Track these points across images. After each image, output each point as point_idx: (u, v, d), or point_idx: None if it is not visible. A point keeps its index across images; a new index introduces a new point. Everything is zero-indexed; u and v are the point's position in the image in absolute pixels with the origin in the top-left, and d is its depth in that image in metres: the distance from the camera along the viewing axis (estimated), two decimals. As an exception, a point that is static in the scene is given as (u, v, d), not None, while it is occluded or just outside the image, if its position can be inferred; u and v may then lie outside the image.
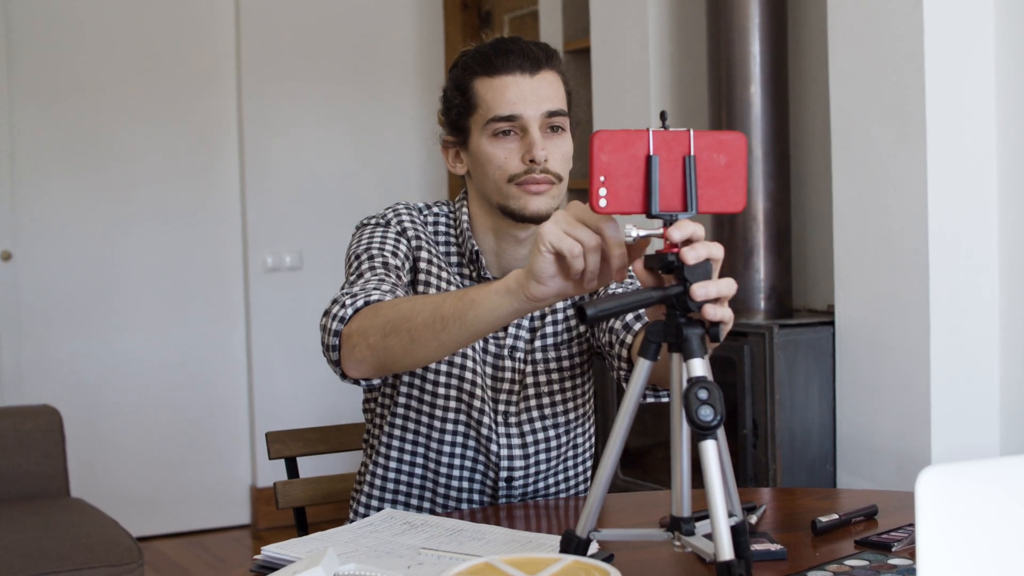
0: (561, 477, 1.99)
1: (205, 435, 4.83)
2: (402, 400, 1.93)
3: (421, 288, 1.90)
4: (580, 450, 2.01)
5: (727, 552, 1.26)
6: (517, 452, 1.93)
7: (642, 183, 1.37)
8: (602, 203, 1.37)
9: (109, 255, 4.70)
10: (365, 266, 1.84)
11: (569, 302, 1.93)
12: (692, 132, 1.39)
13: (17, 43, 4.55)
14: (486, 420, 1.90)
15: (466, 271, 1.93)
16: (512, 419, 1.92)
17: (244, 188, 4.89)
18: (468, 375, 1.89)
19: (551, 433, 1.95)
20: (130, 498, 4.62)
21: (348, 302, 1.70)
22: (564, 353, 1.94)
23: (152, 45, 4.76)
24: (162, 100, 4.78)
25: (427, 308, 1.58)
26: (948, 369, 2.90)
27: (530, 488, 1.95)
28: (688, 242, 1.37)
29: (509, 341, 1.92)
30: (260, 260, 4.88)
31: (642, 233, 1.38)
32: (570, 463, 2.00)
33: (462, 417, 1.91)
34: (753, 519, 1.75)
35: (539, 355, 1.93)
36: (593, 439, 2.07)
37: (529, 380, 1.92)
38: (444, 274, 1.91)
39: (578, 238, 1.39)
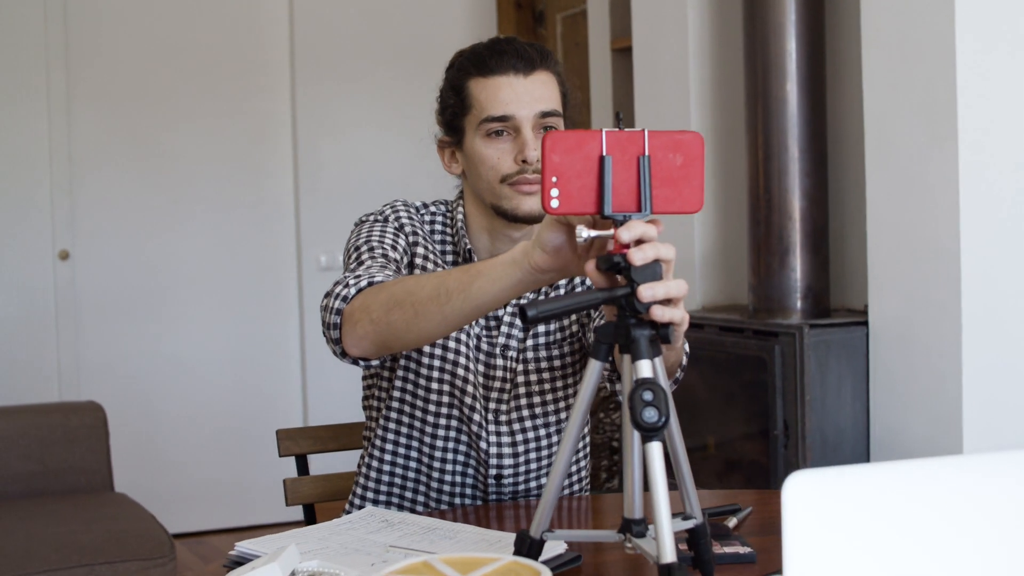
0: (556, 477, 1.99)
1: (258, 432, 4.89)
2: (396, 395, 1.94)
3: (418, 259, 1.92)
4: (577, 447, 2.01)
5: (668, 555, 1.25)
6: (507, 450, 1.93)
7: (595, 183, 1.37)
8: (553, 204, 1.37)
9: (164, 254, 4.78)
10: (365, 256, 1.85)
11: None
12: (647, 132, 1.38)
13: (75, 47, 4.65)
14: (476, 417, 1.91)
15: (459, 260, 1.95)
16: (503, 417, 1.93)
17: (298, 188, 4.94)
18: (460, 371, 1.90)
19: (541, 432, 1.95)
20: (181, 494, 4.69)
21: (352, 282, 1.71)
22: (556, 352, 1.94)
23: (207, 47, 4.84)
24: (217, 101, 4.85)
25: (432, 282, 1.59)
26: (980, 370, 2.86)
27: (521, 487, 1.95)
28: (640, 243, 1.36)
29: (502, 340, 1.92)
30: (313, 259, 4.93)
31: (593, 234, 1.37)
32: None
33: (455, 413, 1.92)
34: (733, 521, 1.74)
35: (531, 354, 1.93)
36: (588, 439, 2.07)
37: (520, 379, 1.93)
38: (430, 254, 1.93)
39: None
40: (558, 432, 1.97)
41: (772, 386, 3.16)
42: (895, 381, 3.06)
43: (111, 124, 4.71)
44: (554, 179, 1.37)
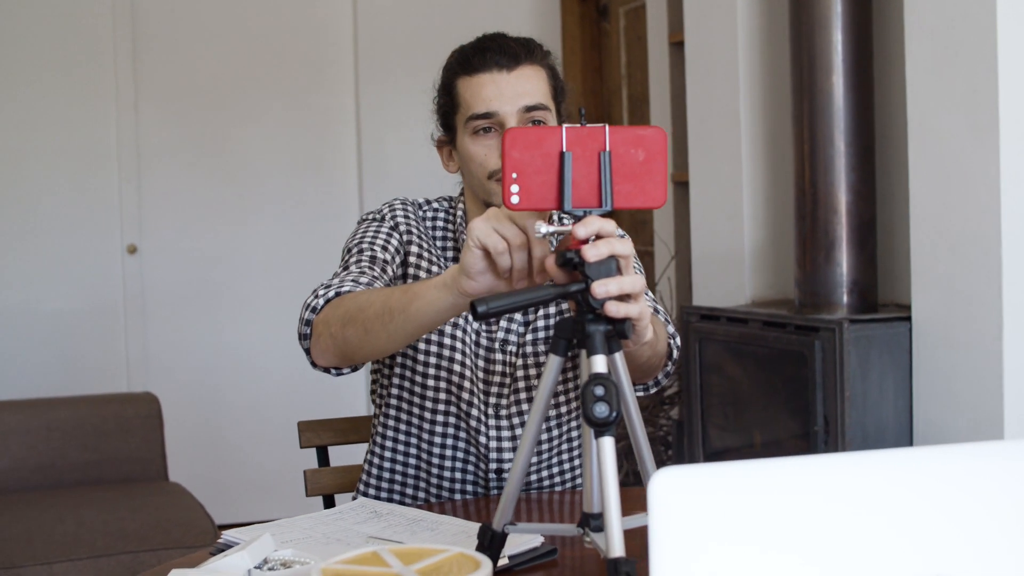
0: (556, 471, 2.00)
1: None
2: (395, 391, 1.97)
3: (411, 280, 1.94)
4: (575, 444, 2.01)
5: (617, 549, 1.26)
6: (507, 444, 1.95)
7: (555, 179, 1.38)
8: (514, 200, 1.38)
9: (228, 249, 4.87)
10: (353, 259, 1.89)
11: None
12: (608, 128, 1.39)
13: (142, 46, 4.75)
14: (475, 412, 1.93)
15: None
16: (503, 412, 1.94)
17: (361, 184, 5.00)
18: (456, 367, 1.92)
19: (542, 427, 1.95)
20: (237, 484, 4.77)
21: (321, 292, 1.75)
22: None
23: (271, 45, 4.91)
24: (281, 98, 4.92)
25: (379, 300, 1.62)
26: (1021, 365, 2.80)
27: (521, 480, 1.96)
28: (599, 239, 1.36)
29: (501, 335, 1.94)
30: (376, 253, 4.98)
31: (551, 229, 1.38)
32: (564, 456, 2.00)
33: (452, 408, 1.94)
34: None
35: (530, 348, 1.94)
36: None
37: (520, 374, 1.94)
38: (435, 268, 1.95)
39: (504, 235, 1.41)
40: (559, 427, 1.98)
41: (812, 382, 3.13)
42: (938, 377, 3.02)
43: (177, 122, 4.81)
44: (514, 175, 1.38)
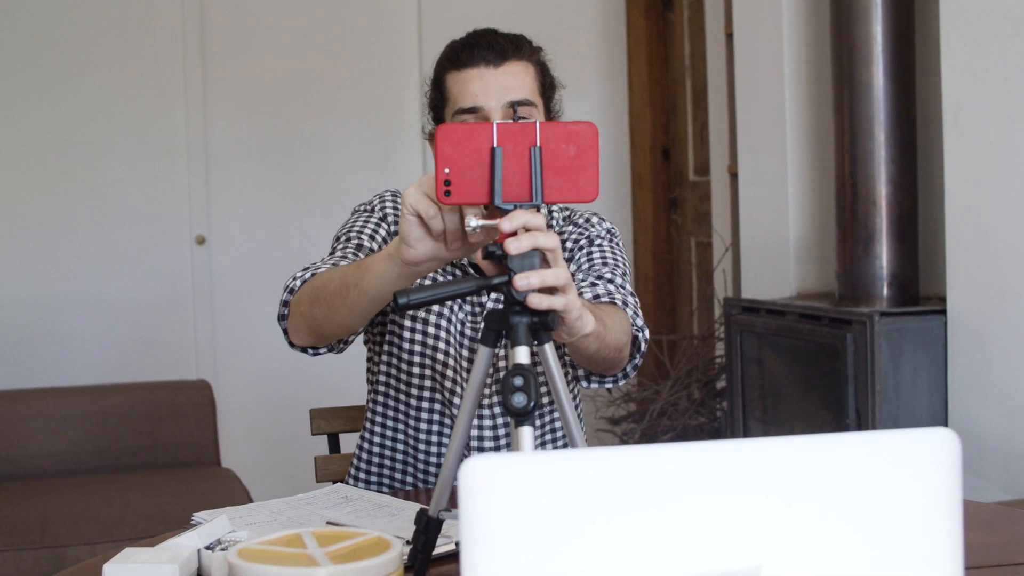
0: (539, 460, 2.02)
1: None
2: (382, 379, 2.01)
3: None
4: (559, 434, 2.03)
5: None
6: (488, 433, 1.98)
7: (487, 175, 1.41)
8: (446, 194, 1.42)
9: (295, 241, 4.96)
10: (340, 246, 1.94)
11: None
12: (538, 124, 1.41)
13: (211, 42, 4.87)
14: (458, 400, 1.96)
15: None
16: (485, 401, 1.97)
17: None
18: (441, 356, 1.96)
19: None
20: (289, 471, 4.86)
21: (299, 274, 1.81)
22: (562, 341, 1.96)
23: (337, 39, 4.99)
24: (347, 91, 5.00)
25: (337, 276, 1.67)
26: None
27: (503, 469, 1.99)
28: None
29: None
30: (440, 245, 5.04)
31: (481, 223, 1.41)
32: (548, 447, 2.03)
33: (437, 396, 1.98)
34: None
35: (513, 339, 1.96)
36: (581, 422, 2.09)
37: (502, 363, 1.97)
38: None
39: (435, 200, 1.44)
40: (539, 416, 2.01)
41: (844, 375, 3.11)
42: (972, 370, 2.98)
43: (245, 116, 4.91)
44: (447, 170, 1.42)
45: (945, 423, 3.06)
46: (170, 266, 4.85)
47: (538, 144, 1.41)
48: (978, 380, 2.95)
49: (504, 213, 1.41)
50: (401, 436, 2.02)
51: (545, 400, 2.01)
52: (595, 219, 2.02)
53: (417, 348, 1.96)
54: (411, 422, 2.00)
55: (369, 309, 1.64)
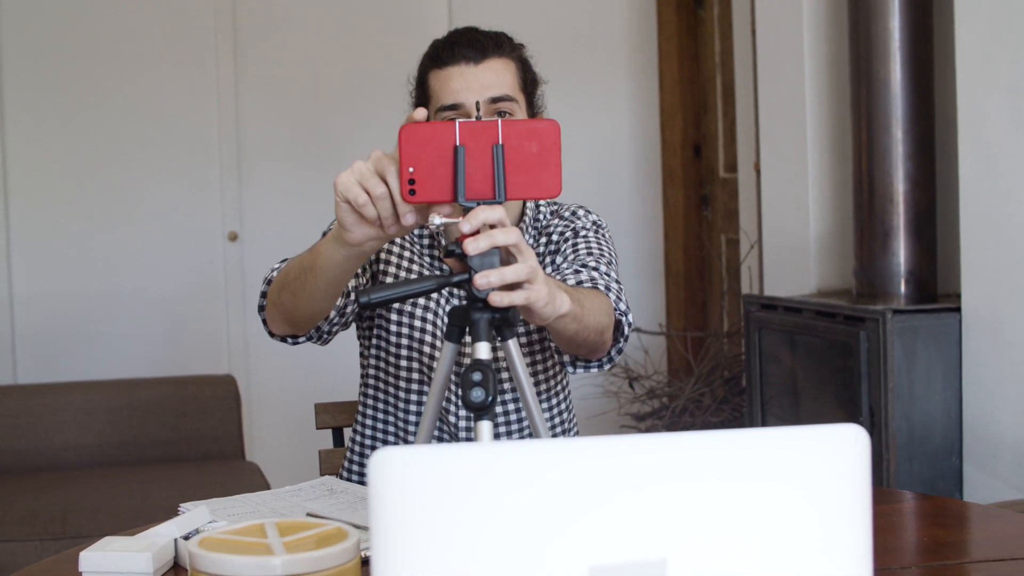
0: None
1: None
2: (371, 372, 2.04)
3: (381, 266, 2.01)
4: (550, 424, 2.05)
5: None
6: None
7: (450, 173, 1.44)
8: (411, 192, 1.44)
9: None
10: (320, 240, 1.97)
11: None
12: (500, 122, 1.44)
13: (243, 41, 4.93)
14: (445, 393, 1.98)
15: (436, 252, 2.02)
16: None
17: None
18: (427, 348, 1.98)
19: (511, 407, 2.00)
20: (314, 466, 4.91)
21: (276, 265, 1.86)
22: (531, 327, 1.99)
23: (368, 39, 5.03)
24: (377, 90, 5.04)
25: (296, 263, 1.72)
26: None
27: (493, 462, 2.01)
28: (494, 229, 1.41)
29: (474, 315, 1.99)
30: (470, 242, 5.06)
31: (443, 221, 1.44)
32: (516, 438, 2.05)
33: (425, 388, 2.00)
34: None
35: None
36: (569, 413, 2.10)
37: (493, 355, 1.99)
38: (407, 253, 2.00)
39: (365, 186, 1.47)
40: (509, 411, 2.02)
41: (857, 372, 3.10)
42: (986, 370, 2.96)
43: (277, 114, 4.97)
44: (411, 169, 1.45)
45: (959, 421, 3.05)
46: (203, 262, 4.91)
47: (500, 142, 1.43)
48: (992, 378, 2.93)
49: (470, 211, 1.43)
50: (392, 429, 2.04)
51: (539, 388, 2.03)
52: (581, 212, 2.04)
53: (404, 342, 1.99)
54: (400, 415, 2.03)
55: (327, 292, 1.68)
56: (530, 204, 2.04)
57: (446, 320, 1.98)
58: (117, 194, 4.83)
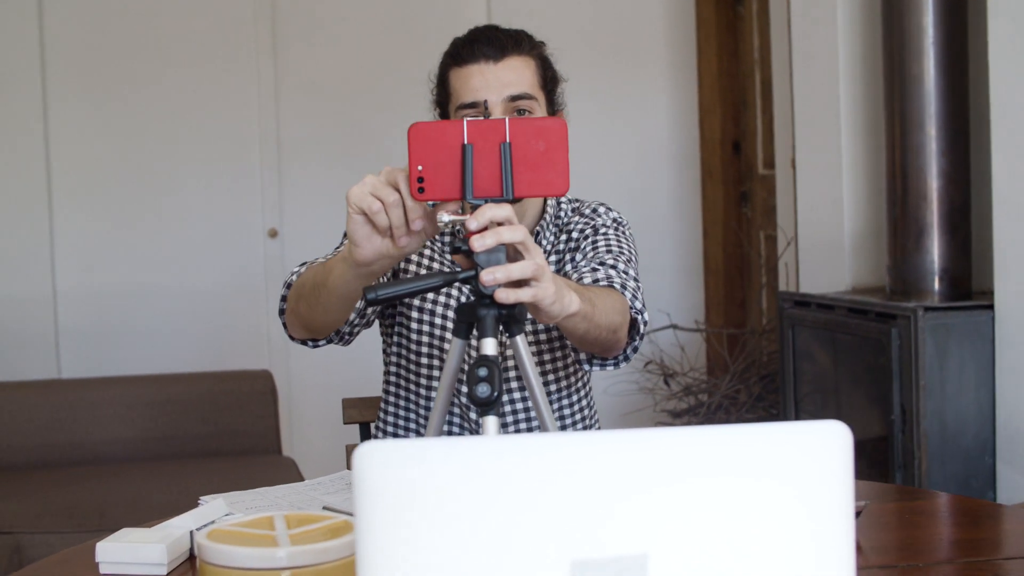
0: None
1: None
2: (393, 369, 2.06)
3: (402, 263, 2.03)
4: (568, 421, 2.06)
5: None
6: (521, 421, 2.01)
7: (459, 171, 1.45)
8: (420, 191, 1.46)
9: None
10: (343, 243, 1.99)
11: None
12: (508, 120, 1.45)
13: (282, 39, 4.97)
14: (464, 388, 2.00)
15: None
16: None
17: (494, 169, 5.10)
18: (447, 345, 2.00)
19: (529, 404, 2.01)
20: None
21: (295, 270, 1.88)
22: (542, 327, 2.00)
23: (407, 36, 5.06)
24: (417, 88, 5.05)
25: (311, 275, 1.74)
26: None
27: (513, 458, 2.03)
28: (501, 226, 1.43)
29: (493, 312, 2.01)
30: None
31: (451, 218, 1.45)
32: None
33: None
34: None
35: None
36: (590, 409, 2.11)
37: (509, 352, 2.00)
38: (427, 251, 2.02)
39: (378, 196, 1.49)
40: (550, 403, 2.04)
41: (889, 370, 3.08)
42: (1020, 367, 2.94)
43: (316, 111, 5.00)
44: (420, 168, 1.46)
45: (992, 420, 3.03)
46: (243, 259, 4.96)
47: (508, 140, 1.45)
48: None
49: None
50: (412, 425, 2.06)
51: (552, 388, 2.04)
52: (601, 209, 2.05)
53: (425, 339, 2.01)
54: (421, 410, 2.04)
55: (340, 306, 1.70)
56: (551, 201, 2.06)
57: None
58: (159, 191, 4.88)
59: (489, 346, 1.40)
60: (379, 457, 0.91)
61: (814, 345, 3.50)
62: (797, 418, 3.58)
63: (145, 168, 4.87)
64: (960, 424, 3.03)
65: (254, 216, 4.98)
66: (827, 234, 3.77)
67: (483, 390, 1.36)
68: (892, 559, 1.49)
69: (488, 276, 1.40)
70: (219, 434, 3.79)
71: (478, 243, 1.40)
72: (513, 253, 1.44)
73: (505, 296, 1.40)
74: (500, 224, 1.43)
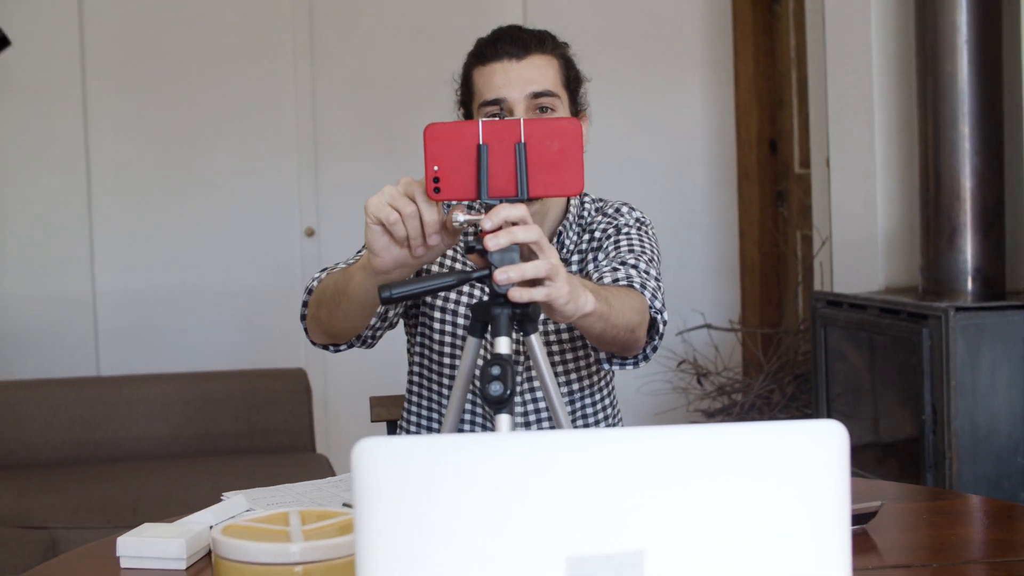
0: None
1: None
2: (416, 368, 2.08)
3: (424, 272, 2.04)
4: (591, 420, 2.06)
5: None
6: (519, 420, 2.02)
7: (474, 171, 1.46)
8: (436, 191, 1.48)
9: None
10: (363, 248, 2.01)
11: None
12: (523, 121, 1.46)
13: (319, 38, 5.00)
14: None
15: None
16: (517, 388, 2.02)
17: (530, 168, 5.11)
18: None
19: (530, 405, 2.02)
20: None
21: (316, 276, 1.90)
22: (565, 326, 2.01)
23: (443, 35, 5.07)
24: (450, 90, 5.08)
25: (331, 283, 1.75)
26: None
27: (535, 457, 2.04)
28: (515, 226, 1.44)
29: (512, 315, 2.02)
30: (543, 237, 5.09)
31: (465, 218, 1.46)
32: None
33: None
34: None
35: (541, 328, 2.01)
36: (612, 408, 2.12)
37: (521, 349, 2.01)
38: (449, 251, 2.04)
39: (395, 207, 1.50)
40: (571, 403, 2.05)
41: (920, 370, 3.07)
42: (1053, 368, 2.92)
43: (353, 111, 5.03)
44: (436, 168, 1.48)
45: (1025, 420, 3.01)
46: (280, 258, 5.00)
47: (523, 140, 1.46)
48: (1057, 377, 2.89)
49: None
50: (435, 423, 2.08)
51: (574, 387, 2.05)
52: (624, 209, 2.05)
53: (448, 338, 2.02)
54: (443, 409, 2.06)
55: (360, 313, 1.71)
56: (574, 201, 2.06)
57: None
58: (196, 191, 4.93)
59: (503, 345, 1.42)
60: (377, 454, 0.93)
61: (847, 345, 3.49)
62: (829, 418, 3.56)
63: (183, 168, 4.92)
64: (992, 424, 3.01)
65: (291, 215, 5.01)
66: (861, 233, 3.76)
67: (496, 388, 1.37)
68: (907, 559, 1.49)
69: (502, 275, 1.41)
70: (253, 432, 3.82)
71: (492, 242, 1.41)
72: (527, 253, 1.45)
73: (519, 295, 1.41)
74: (515, 224, 1.44)
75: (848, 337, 3.47)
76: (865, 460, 3.38)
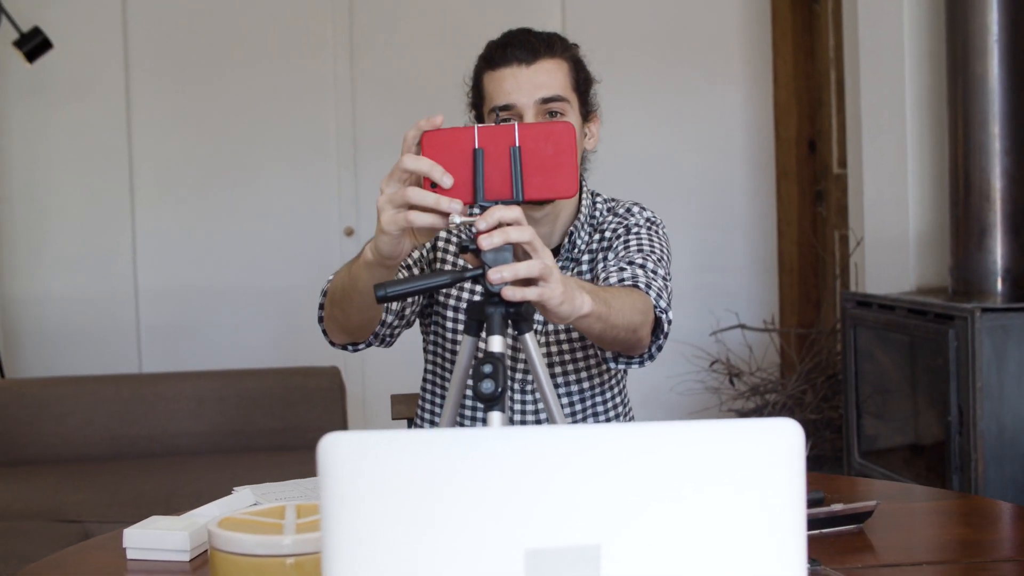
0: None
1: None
2: (429, 365, 2.11)
3: (438, 253, 2.07)
4: (602, 418, 2.08)
5: None
6: (530, 419, 2.05)
7: (471, 175, 1.49)
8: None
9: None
10: (357, 260, 2.04)
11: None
12: (517, 125, 1.49)
13: (359, 39, 5.05)
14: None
15: None
16: (528, 387, 2.05)
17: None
18: (481, 343, 2.03)
19: (564, 401, 2.04)
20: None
21: (331, 277, 1.92)
22: (565, 325, 2.02)
23: (481, 39, 5.08)
24: (489, 87, 5.11)
25: (339, 282, 1.78)
26: None
27: (546, 453, 2.06)
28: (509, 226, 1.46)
29: (524, 312, 2.04)
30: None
31: (463, 219, 1.49)
32: None
33: None
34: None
35: (552, 327, 2.03)
36: (624, 407, 2.13)
37: (543, 350, 2.04)
38: (449, 253, 2.06)
39: (405, 202, 1.51)
40: (581, 401, 2.07)
41: (945, 371, 3.06)
42: (1080, 370, 2.90)
43: (392, 111, 5.08)
44: (434, 172, 1.50)
45: (1053, 422, 2.99)
46: (320, 257, 5.05)
47: (517, 144, 1.48)
48: (1084, 379, 2.87)
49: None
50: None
51: (585, 385, 2.07)
52: (635, 209, 2.07)
53: (458, 337, 2.05)
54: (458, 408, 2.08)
55: (374, 304, 1.74)
56: (586, 201, 2.08)
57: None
58: (237, 191, 5.00)
59: (496, 343, 1.44)
60: (341, 448, 0.96)
61: (876, 346, 3.49)
62: (859, 419, 3.56)
63: (223, 168, 4.99)
64: (1018, 426, 3.00)
65: (331, 215, 5.07)
66: (893, 234, 3.75)
67: (487, 386, 1.39)
68: (899, 558, 1.50)
69: (495, 275, 1.43)
70: (287, 429, 3.87)
71: (485, 242, 1.43)
72: (521, 254, 1.47)
73: (511, 294, 1.44)
74: (509, 225, 1.46)
75: (877, 338, 3.47)
76: (893, 462, 3.38)
